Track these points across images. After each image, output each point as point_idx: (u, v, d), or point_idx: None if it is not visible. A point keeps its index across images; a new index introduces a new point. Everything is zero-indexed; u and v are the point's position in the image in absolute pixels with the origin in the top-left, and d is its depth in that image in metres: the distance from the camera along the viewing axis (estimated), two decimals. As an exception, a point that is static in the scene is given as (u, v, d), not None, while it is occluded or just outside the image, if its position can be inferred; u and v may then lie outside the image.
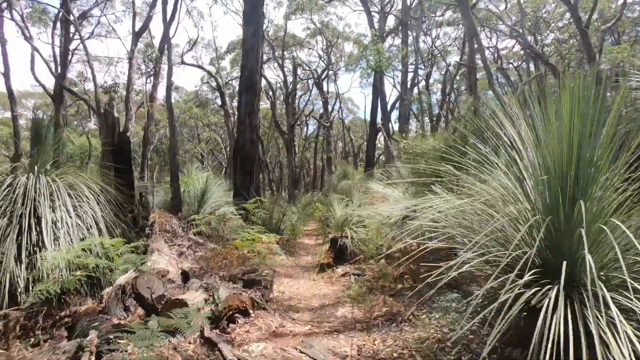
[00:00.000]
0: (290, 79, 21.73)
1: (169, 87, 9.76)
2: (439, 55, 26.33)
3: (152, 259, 5.10)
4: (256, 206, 7.60)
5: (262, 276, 4.59)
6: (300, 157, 25.49)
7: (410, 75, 21.40)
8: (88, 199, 4.72)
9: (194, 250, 6.92)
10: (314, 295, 4.49)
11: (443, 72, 28.57)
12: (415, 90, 19.79)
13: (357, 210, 6.63)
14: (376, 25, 18.26)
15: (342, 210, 6.49)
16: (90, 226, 4.52)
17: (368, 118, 42.24)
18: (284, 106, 24.12)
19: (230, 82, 29.33)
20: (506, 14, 21.10)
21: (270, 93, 21.75)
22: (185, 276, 4.53)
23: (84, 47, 12.06)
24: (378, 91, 19.31)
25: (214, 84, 22.54)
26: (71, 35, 18.90)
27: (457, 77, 21.86)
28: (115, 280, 4.24)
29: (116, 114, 7.17)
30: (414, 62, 16.74)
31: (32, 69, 15.56)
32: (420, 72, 28.26)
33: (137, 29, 14.77)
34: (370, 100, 19.01)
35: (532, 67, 29.91)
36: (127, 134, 7.16)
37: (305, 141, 29.93)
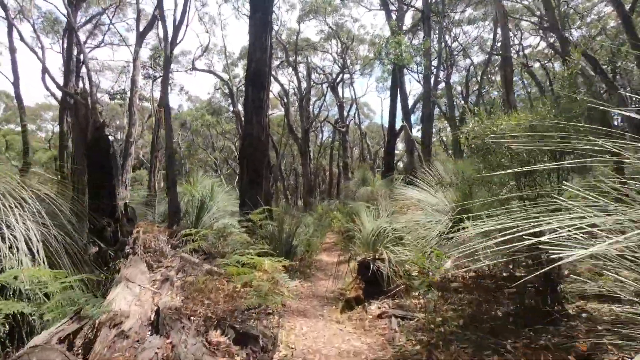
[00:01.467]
0: (304, 82, 20.39)
1: (166, 78, 8.46)
2: (458, 55, 24.63)
3: (114, 293, 3.63)
4: (263, 217, 6.09)
5: (262, 323, 3.05)
6: (316, 164, 24.03)
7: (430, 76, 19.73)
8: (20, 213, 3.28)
9: (186, 274, 5.44)
10: (339, 354, 2.90)
11: (466, 71, 26.82)
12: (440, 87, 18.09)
13: (389, 222, 5.04)
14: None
15: (372, 222, 4.90)
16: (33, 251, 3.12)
17: (385, 123, 40.45)
18: (298, 112, 22.79)
19: (243, 88, 28.31)
20: (531, 6, 19.31)
21: (285, 98, 20.43)
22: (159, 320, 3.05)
23: (79, 46, 10.93)
24: (397, 91, 17.71)
25: (227, 90, 21.41)
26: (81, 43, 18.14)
27: (484, 76, 20.03)
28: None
29: (99, 107, 5.76)
30: (436, 59, 15.13)
31: (43, 79, 14.63)
32: (440, 73, 26.58)
33: (141, 30, 13.70)
34: (388, 103, 17.43)
35: (557, 66, 27.84)
36: (108, 129, 5.81)
37: (320, 147, 28.47)
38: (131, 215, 6.04)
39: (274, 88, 30.39)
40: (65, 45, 14.35)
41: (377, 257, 4.06)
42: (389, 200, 7.84)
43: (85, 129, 5.07)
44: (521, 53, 23.69)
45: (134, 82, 12.62)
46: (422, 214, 6.45)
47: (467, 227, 5.21)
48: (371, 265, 3.88)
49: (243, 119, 8.62)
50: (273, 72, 20.61)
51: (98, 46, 17.91)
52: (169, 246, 5.77)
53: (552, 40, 24.48)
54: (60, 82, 13.39)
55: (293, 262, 5.49)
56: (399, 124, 20.30)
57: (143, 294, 3.80)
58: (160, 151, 15.63)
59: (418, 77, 17.92)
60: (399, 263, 4.06)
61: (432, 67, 14.41)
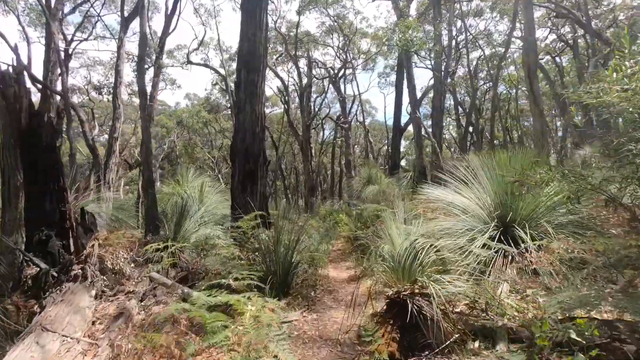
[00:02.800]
0: (305, 79, 19.01)
1: (141, 58, 7.11)
2: (462, 49, 23.21)
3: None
4: (255, 225, 4.74)
5: None
6: (318, 162, 22.70)
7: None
8: None
9: (156, 300, 4.12)
10: None
11: (467, 67, 25.38)
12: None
13: (424, 235, 3.71)
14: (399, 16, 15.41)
15: (403, 235, 3.56)
16: None
17: (388, 120, 38.92)
18: (298, 109, 21.43)
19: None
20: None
21: (285, 93, 19.06)
22: None
23: (55, 35, 9.59)
24: (402, 82, 16.34)
25: (224, 86, 20.04)
26: (66, 36, 16.77)
27: (494, 70, 18.54)
28: None
29: (33, 89, 4.50)
30: (446, 48, 13.77)
31: (29, 72, 13.24)
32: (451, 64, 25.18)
33: (126, 15, 12.36)
34: (390, 100, 16.08)
35: (563, 60, 26.41)
36: (49, 115, 4.48)
37: (322, 145, 27.11)
38: (90, 223, 4.70)
39: (273, 83, 28.82)
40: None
41: (416, 290, 2.70)
42: (406, 201, 6.50)
43: (18, 114, 3.71)
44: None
45: (118, 72, 11.28)
46: (455, 220, 5.13)
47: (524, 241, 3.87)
48: (409, 305, 2.53)
49: (235, 108, 7.29)
50: (272, 66, 19.25)
51: (86, 39, 16.53)
52: (133, 264, 4.42)
53: (563, 31, 23.11)
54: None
55: (291, 291, 4.15)
56: (403, 119, 18.94)
57: (63, 354, 2.45)
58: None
59: (427, 65, 16.54)
60: (449, 298, 2.72)
61: (443, 56, 13.03)
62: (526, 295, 3.46)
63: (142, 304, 3.95)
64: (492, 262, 3.85)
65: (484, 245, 4.02)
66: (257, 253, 4.44)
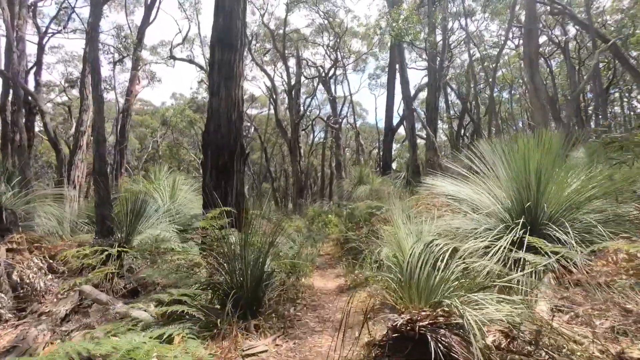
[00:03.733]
0: (294, 77, 18.09)
1: (94, 27, 6.09)
2: (455, 47, 22.62)
3: None
4: (222, 225, 3.75)
5: None
6: (307, 163, 21.76)
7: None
8: None
9: (84, 324, 3.11)
10: None
11: (455, 68, 24.88)
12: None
13: (440, 235, 2.79)
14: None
15: (412, 236, 2.64)
16: None
17: (378, 123, 38.16)
18: (287, 109, 20.47)
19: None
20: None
21: (273, 91, 18.09)
22: None
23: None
24: (394, 79, 15.53)
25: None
26: (40, 28, 15.55)
27: (494, 63, 17.89)
28: None
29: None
30: (440, 42, 13.02)
31: None
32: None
33: None
34: (381, 101, 15.29)
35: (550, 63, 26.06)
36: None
37: (311, 147, 26.20)
38: (8, 223, 3.65)
39: (262, 83, 27.75)
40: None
41: (441, 319, 1.75)
42: (403, 199, 5.58)
43: None
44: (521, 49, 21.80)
45: (87, 59, 10.18)
46: (464, 218, 4.23)
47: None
48: (431, 343, 1.58)
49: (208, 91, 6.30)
50: (260, 64, 18.30)
51: (59, 32, 15.33)
52: (53, 275, 3.39)
53: (556, 32, 22.71)
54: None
55: (263, 308, 3.18)
56: (395, 119, 18.14)
57: None
58: (126, 145, 13.16)
59: (418, 66, 15.77)
60: (484, 325, 1.76)
61: (437, 49, 12.25)
62: (575, 316, 2.55)
63: (62, 329, 2.93)
64: (518, 268, 2.94)
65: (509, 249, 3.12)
66: (221, 260, 3.45)
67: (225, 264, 3.34)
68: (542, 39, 23.47)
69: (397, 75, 14.18)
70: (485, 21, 22.67)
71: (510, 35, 22.06)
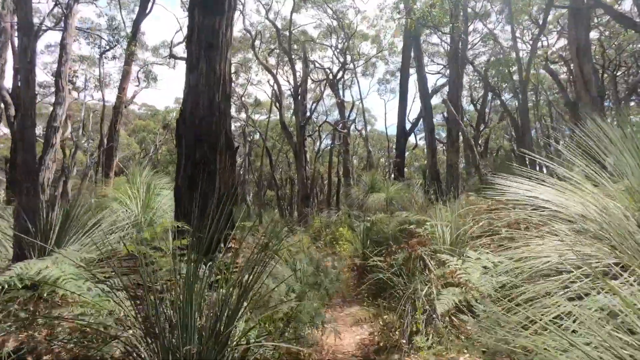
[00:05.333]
0: (300, 73, 16.62)
1: None
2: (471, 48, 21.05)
3: None
4: (174, 250, 2.13)
5: None
6: (313, 170, 20.20)
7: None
8: None
9: None
10: None
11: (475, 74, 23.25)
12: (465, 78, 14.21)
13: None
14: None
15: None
16: None
17: (388, 129, 36.61)
18: (293, 112, 18.97)
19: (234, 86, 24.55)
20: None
21: (277, 91, 16.63)
22: None
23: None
24: (406, 83, 13.98)
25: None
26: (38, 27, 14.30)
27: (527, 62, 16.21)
28: None
29: None
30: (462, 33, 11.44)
31: None
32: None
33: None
34: (391, 106, 13.72)
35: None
36: None
37: (317, 154, 24.66)
38: None
39: (263, 85, 26.22)
40: None
41: None
42: (442, 209, 3.92)
43: None
44: (540, 51, 20.19)
45: (63, 47, 8.77)
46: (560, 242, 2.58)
47: None
48: None
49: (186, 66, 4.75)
50: (265, 62, 16.89)
51: (51, 28, 14.06)
52: None
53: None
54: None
55: None
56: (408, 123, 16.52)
57: None
58: (114, 145, 11.70)
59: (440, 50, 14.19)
60: None
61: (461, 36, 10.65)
62: None
63: None
64: None
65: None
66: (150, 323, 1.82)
67: (155, 332, 1.70)
68: (562, 42, 21.86)
69: (415, 70, 12.63)
70: (500, 23, 21.16)
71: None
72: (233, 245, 4.02)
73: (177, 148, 4.48)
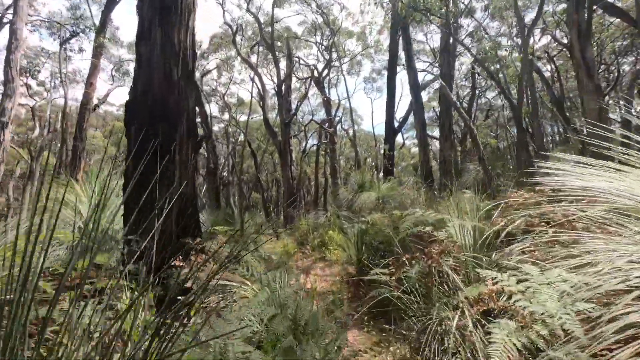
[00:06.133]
0: (283, 71, 15.72)
1: None
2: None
3: None
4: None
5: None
6: (299, 170, 19.33)
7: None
8: None
9: None
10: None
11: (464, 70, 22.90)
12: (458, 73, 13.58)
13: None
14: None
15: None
16: None
17: (375, 128, 35.95)
18: (277, 110, 18.03)
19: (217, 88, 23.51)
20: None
21: (259, 86, 15.68)
22: None
23: None
24: (394, 77, 13.32)
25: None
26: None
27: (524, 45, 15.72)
28: None
29: None
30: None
31: None
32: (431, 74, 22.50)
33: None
34: (378, 105, 13.02)
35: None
36: None
37: (304, 153, 23.80)
38: None
39: (246, 84, 25.25)
40: None
41: None
42: (455, 205, 3.14)
43: None
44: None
45: (13, 32, 7.66)
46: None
47: None
48: None
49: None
50: (245, 57, 15.93)
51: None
52: None
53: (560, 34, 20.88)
54: None
55: None
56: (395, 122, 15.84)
57: None
58: (81, 145, 10.57)
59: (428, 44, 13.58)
60: None
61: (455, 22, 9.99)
62: None
63: None
64: None
65: None
66: None
67: None
68: (546, 39, 21.69)
69: (404, 61, 11.94)
70: (486, 19, 20.82)
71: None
72: (196, 259, 3.13)
73: (126, 137, 3.55)
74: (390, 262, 2.47)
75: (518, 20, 9.69)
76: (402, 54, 15.45)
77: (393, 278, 2.29)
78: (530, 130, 12.06)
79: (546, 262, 2.10)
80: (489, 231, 2.42)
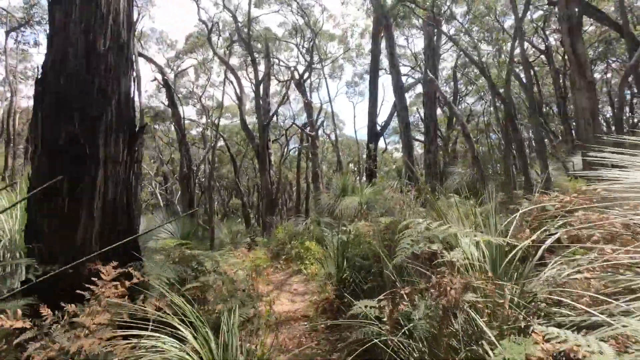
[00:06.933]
0: (262, 72, 14.89)
1: None
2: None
3: None
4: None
5: None
6: (279, 174, 18.48)
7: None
8: None
9: None
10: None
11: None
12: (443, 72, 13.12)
13: None
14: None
15: None
16: None
17: (357, 132, 35.68)
18: (254, 111, 17.06)
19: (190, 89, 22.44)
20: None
21: (236, 84, 14.80)
22: None
23: None
24: (377, 77, 12.79)
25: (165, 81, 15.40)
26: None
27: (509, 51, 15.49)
28: None
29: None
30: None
31: None
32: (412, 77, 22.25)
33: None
34: (360, 109, 12.48)
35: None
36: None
37: (282, 157, 22.97)
38: None
39: (227, 86, 24.09)
40: None
41: None
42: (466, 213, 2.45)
43: None
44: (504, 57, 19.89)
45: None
46: None
47: None
48: None
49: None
50: (221, 55, 15.02)
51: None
52: None
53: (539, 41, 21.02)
54: None
55: None
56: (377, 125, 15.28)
57: None
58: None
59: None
60: None
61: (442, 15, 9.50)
62: None
63: None
64: None
65: None
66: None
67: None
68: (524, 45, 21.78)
69: (387, 59, 11.39)
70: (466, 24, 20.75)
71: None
72: (119, 290, 2.27)
73: (32, 127, 2.67)
74: (382, 299, 1.72)
75: (517, 26, 9.29)
76: (383, 59, 15.03)
77: (388, 320, 1.54)
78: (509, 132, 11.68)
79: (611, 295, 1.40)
80: (519, 246, 1.71)
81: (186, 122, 23.31)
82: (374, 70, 12.87)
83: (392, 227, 2.79)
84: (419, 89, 22.97)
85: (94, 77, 2.66)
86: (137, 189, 2.90)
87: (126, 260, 2.64)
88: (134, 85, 3.10)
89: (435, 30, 10.48)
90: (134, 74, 3.12)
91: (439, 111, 24.50)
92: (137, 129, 2.98)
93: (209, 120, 21.74)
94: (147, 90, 26.79)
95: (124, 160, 2.80)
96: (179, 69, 18.56)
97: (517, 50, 9.78)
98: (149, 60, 13.76)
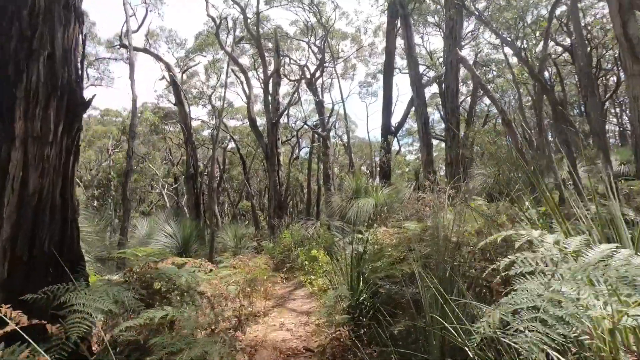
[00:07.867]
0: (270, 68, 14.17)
1: None
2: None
3: None
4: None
5: None
6: (288, 174, 17.70)
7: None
8: None
9: None
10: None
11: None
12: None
13: None
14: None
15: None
16: None
17: (370, 133, 34.58)
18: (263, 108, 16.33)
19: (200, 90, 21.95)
20: None
21: (244, 80, 14.13)
22: None
23: None
24: (391, 73, 11.91)
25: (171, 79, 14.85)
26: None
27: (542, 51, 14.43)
28: None
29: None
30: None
31: None
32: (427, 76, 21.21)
33: None
34: (373, 109, 11.59)
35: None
36: None
37: (292, 157, 22.23)
38: None
39: (236, 87, 23.66)
40: None
41: None
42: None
43: None
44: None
45: None
46: None
47: None
48: None
49: None
50: (229, 51, 14.40)
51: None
52: None
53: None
54: None
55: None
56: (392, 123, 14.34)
57: None
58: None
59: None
60: None
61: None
62: None
63: None
64: None
65: None
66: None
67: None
68: (550, 43, 20.51)
69: (405, 49, 10.48)
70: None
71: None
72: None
73: None
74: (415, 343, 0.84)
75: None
76: (397, 58, 14.12)
77: None
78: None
79: None
80: None
81: (196, 122, 22.86)
82: (388, 68, 11.99)
83: (431, 235, 1.92)
84: (434, 88, 21.91)
85: (13, 19, 1.88)
86: (73, 181, 2.11)
87: (56, 279, 1.84)
88: (82, 47, 2.31)
89: (456, 18, 9.51)
90: (83, 30, 2.33)
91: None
92: (81, 102, 2.19)
93: (217, 121, 21.24)
94: (156, 90, 26.35)
95: (56, 142, 2.01)
96: (188, 68, 18.07)
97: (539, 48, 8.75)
98: (157, 57, 13.24)
